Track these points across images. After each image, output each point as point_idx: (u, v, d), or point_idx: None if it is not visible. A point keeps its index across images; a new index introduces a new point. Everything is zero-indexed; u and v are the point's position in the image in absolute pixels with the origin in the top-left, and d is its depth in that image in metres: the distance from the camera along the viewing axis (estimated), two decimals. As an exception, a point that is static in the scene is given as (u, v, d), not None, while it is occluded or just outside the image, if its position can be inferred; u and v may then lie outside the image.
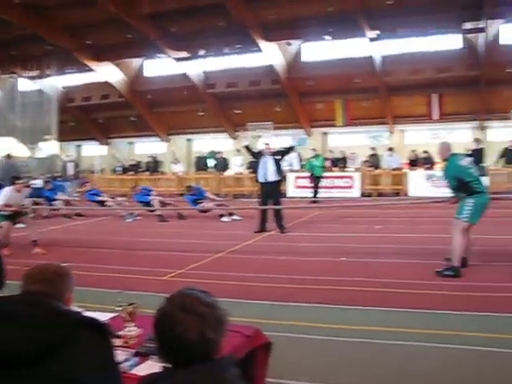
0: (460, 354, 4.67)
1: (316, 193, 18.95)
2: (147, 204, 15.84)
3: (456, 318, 5.67)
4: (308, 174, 19.73)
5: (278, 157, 12.40)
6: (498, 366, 4.43)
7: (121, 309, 3.29)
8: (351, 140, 31.78)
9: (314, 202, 18.20)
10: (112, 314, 3.52)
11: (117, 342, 2.97)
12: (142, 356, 2.90)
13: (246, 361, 3.12)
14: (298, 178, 20.57)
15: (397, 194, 20.01)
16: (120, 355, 2.71)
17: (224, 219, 14.67)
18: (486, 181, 16.37)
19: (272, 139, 27.82)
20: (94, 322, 1.81)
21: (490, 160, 20.56)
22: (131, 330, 3.20)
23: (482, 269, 7.75)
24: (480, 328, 5.27)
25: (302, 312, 6.02)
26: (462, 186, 7.54)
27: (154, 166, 26.34)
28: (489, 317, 5.66)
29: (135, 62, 30.54)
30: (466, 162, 7.84)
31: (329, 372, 4.41)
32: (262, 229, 12.18)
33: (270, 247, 10.35)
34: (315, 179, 19.08)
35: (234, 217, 14.80)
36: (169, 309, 1.88)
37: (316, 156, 19.74)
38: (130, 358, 2.87)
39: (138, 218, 15.92)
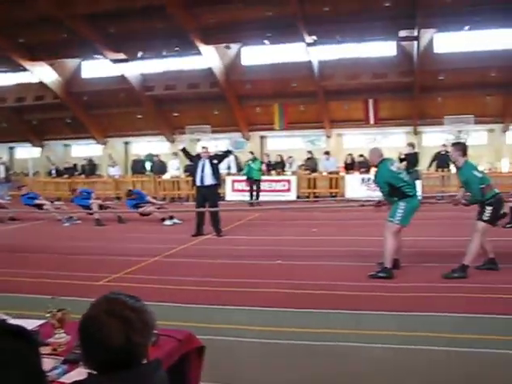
0: (385, 353, 4.77)
1: (257, 196, 19.01)
2: (87, 207, 15.49)
3: (388, 318, 5.80)
4: (245, 178, 19.78)
5: (215, 160, 12.38)
6: (428, 364, 4.54)
7: (50, 315, 3.23)
8: (289, 144, 32.08)
9: (252, 204, 18.26)
10: (41, 321, 3.44)
11: (45, 349, 2.91)
12: (71, 363, 2.83)
13: (180, 365, 3.12)
14: (235, 181, 20.56)
15: (333, 198, 20.28)
16: (48, 363, 2.66)
17: (166, 223, 14.56)
18: (419, 184, 16.86)
19: (210, 142, 27.85)
20: (19, 329, 1.76)
21: (424, 164, 21.07)
22: (60, 337, 3.13)
23: (412, 270, 7.96)
24: (412, 328, 5.41)
25: (236, 315, 6.03)
26: (394, 190, 7.72)
27: (90, 168, 25.85)
28: (420, 316, 5.81)
29: (72, 63, 29.99)
30: (397, 167, 8.02)
31: (263, 375, 4.43)
32: (199, 232, 12.15)
33: (207, 250, 10.33)
34: (254, 183, 19.14)
35: (175, 220, 14.70)
36: (94, 313, 1.86)
37: (254, 160, 19.78)
38: (58, 366, 2.80)
39: (76, 221, 15.59)
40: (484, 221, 7.49)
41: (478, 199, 7.52)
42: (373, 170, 21.57)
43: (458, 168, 7.97)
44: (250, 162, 19.52)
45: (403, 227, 7.78)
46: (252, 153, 20.96)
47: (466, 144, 8.18)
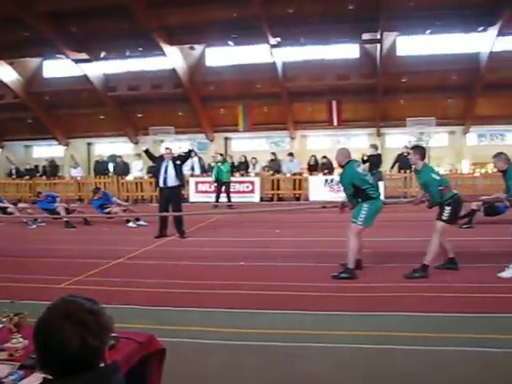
0: (350, 353, 4.81)
1: (229, 199, 18.67)
2: (52, 212, 15.06)
3: (350, 318, 5.85)
4: (212, 179, 19.63)
5: (179, 162, 12.31)
6: (392, 363, 4.58)
7: (6, 320, 3.16)
8: (253, 145, 32.14)
9: (216, 206, 18.18)
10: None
11: (1, 355, 2.85)
12: (28, 369, 2.76)
13: (140, 368, 3.09)
14: (198, 182, 20.46)
15: (297, 199, 20.34)
16: (3, 369, 2.60)
17: (130, 224, 14.42)
18: (381, 185, 17.03)
19: (174, 144, 27.71)
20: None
21: (387, 166, 21.30)
22: (17, 342, 3.07)
23: (374, 270, 8.05)
24: (373, 327, 5.46)
25: (198, 317, 6.01)
26: (358, 192, 7.79)
27: (51, 170, 25.47)
28: (382, 316, 5.88)
29: (33, 62, 29.55)
30: (362, 168, 8.08)
31: (225, 377, 4.42)
32: (162, 234, 12.08)
33: (170, 252, 10.28)
34: (223, 184, 19.00)
35: (140, 222, 14.57)
36: (49, 317, 1.82)
37: (223, 161, 19.61)
38: (14, 371, 2.74)
39: (41, 223, 15.33)
40: (443, 220, 7.62)
41: (437, 201, 7.64)
42: (336, 172, 21.82)
43: (416, 171, 8.08)
44: (219, 163, 19.32)
45: (366, 228, 7.85)
46: (221, 154, 20.73)
47: (425, 148, 8.30)
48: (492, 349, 4.78)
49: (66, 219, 14.73)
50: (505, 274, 7.35)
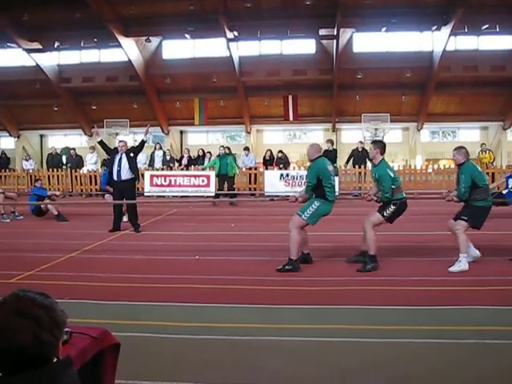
0: (301, 346, 4.84)
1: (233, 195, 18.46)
2: (43, 199, 14.25)
3: (294, 311, 5.93)
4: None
5: (132, 154, 12.14)
6: (343, 355, 4.63)
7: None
8: (209, 139, 32.14)
9: (231, 204, 17.67)
10: None
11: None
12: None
13: (94, 363, 3.04)
14: (154, 176, 20.27)
15: (253, 193, 20.37)
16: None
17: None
18: (337, 180, 17.16)
19: (129, 137, 27.48)
20: None
21: (342, 161, 21.50)
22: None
23: (321, 264, 8.18)
24: (317, 320, 5.53)
25: (154, 311, 5.97)
26: (319, 187, 7.86)
27: (2, 162, 24.95)
28: (326, 309, 5.95)
29: (-18, 51, 28.86)
30: (331, 168, 8.15)
31: (181, 371, 4.40)
32: (116, 227, 11.94)
33: (125, 246, 10.17)
34: (225, 179, 18.47)
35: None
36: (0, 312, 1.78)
37: (227, 154, 18.88)
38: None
39: (19, 217, 14.62)
40: (383, 215, 7.85)
41: (386, 197, 7.79)
42: (292, 166, 21.92)
43: (374, 165, 8.18)
44: (222, 156, 18.58)
45: (308, 224, 7.94)
46: (227, 147, 19.85)
47: (385, 144, 8.41)
48: (438, 340, 4.89)
49: (56, 212, 14.13)
50: (454, 269, 7.53)
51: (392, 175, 7.89)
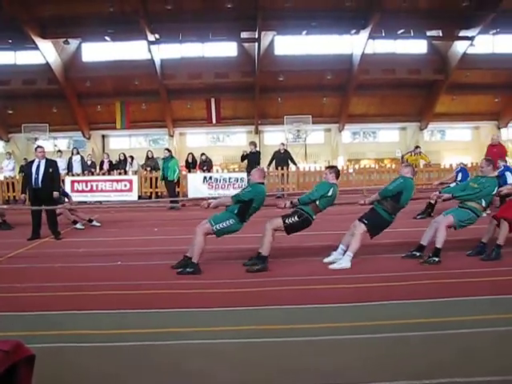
0: (223, 347, 4.86)
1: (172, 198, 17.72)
2: None
3: (193, 314, 5.97)
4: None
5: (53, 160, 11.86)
6: (266, 355, 4.66)
7: None
8: (132, 143, 31.80)
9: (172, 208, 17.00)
10: None
11: None
12: None
13: (7, 377, 2.96)
14: (75, 182, 19.81)
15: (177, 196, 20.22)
16: None
17: None
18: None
19: (49, 142, 26.85)
20: None
21: (265, 163, 21.66)
22: None
23: (215, 267, 8.24)
24: (239, 322, 5.56)
25: (72, 320, 5.81)
26: (244, 207, 8.00)
27: None
28: (223, 312, 6.00)
29: None
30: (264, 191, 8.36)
31: (97, 380, 4.33)
32: (36, 236, 11.61)
33: (44, 254, 9.90)
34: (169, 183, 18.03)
35: None
36: None
37: (169, 158, 18.18)
38: None
39: None
40: (284, 222, 8.00)
41: (301, 203, 8.13)
42: (215, 169, 21.91)
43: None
44: (165, 159, 18.06)
45: (214, 235, 8.03)
46: (169, 150, 19.05)
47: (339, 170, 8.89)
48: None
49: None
50: (335, 266, 7.85)
51: (329, 194, 8.15)
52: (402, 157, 22.26)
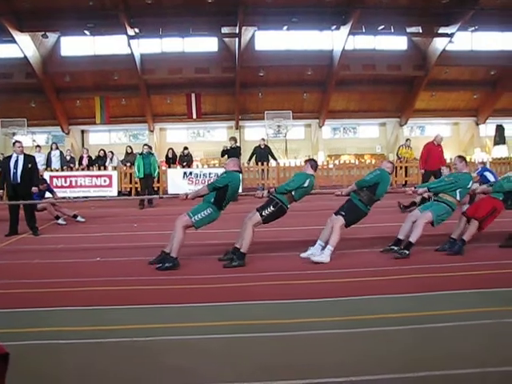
0: (208, 344, 4.85)
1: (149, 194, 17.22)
2: None
3: (170, 310, 5.96)
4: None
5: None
6: (250, 350, 4.66)
7: None
8: (111, 138, 31.61)
9: (149, 203, 16.95)
10: None
11: None
12: None
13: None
14: (53, 177, 19.59)
15: (156, 192, 20.10)
16: None
17: None
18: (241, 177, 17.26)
19: (27, 137, 26.60)
20: None
21: (245, 158, 21.64)
22: None
23: (194, 262, 8.29)
24: (224, 317, 5.54)
25: (50, 317, 5.77)
26: (220, 195, 8.03)
27: None
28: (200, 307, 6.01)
29: None
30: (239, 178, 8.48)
31: (79, 377, 4.30)
32: (14, 231, 11.49)
33: (22, 250, 9.82)
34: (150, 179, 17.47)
35: None
36: None
37: (148, 154, 17.54)
38: None
39: None
40: (261, 215, 8.07)
41: (278, 194, 8.21)
42: (195, 165, 21.86)
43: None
44: (144, 155, 17.45)
45: (193, 227, 8.02)
46: (148, 145, 18.32)
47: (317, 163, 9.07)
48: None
49: None
50: (316, 258, 7.92)
51: (305, 185, 8.28)
52: (398, 149, 22.37)
